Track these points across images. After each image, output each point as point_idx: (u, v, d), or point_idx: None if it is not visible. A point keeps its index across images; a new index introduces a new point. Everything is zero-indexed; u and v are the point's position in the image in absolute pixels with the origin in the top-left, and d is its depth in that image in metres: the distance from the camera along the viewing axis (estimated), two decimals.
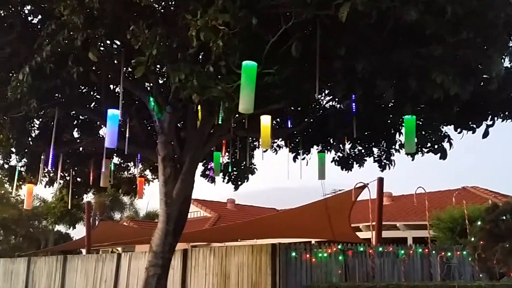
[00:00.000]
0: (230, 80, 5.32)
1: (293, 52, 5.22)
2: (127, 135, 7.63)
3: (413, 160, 8.78)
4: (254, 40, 5.31)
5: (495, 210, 11.97)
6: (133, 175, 12.41)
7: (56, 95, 7.45)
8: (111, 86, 9.40)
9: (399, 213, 24.43)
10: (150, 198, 57.43)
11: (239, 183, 11.45)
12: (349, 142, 10.00)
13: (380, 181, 14.24)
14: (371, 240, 20.50)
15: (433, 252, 14.05)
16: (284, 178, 12.13)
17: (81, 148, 10.73)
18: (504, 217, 11.57)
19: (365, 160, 10.22)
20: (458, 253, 14.36)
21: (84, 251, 28.16)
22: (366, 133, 8.79)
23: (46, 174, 10.59)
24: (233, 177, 11.34)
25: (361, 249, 13.00)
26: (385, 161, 9.74)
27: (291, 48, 5.24)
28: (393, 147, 9.50)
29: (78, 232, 41.82)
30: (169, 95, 7.40)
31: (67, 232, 39.59)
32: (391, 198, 28.02)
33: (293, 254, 11.94)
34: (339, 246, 12.76)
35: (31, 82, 6.32)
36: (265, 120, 8.04)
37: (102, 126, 9.75)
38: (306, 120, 9.25)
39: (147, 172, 12.49)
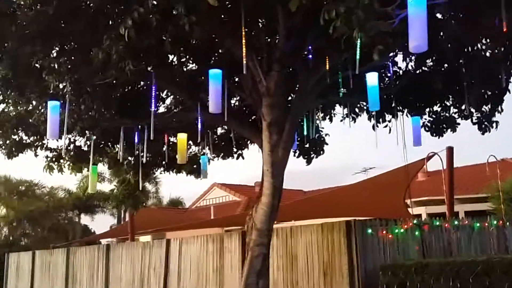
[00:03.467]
0: (391, 14, 4.49)
1: None
2: (225, 103, 6.74)
3: None
4: None
5: None
6: (194, 154, 11.61)
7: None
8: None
9: (440, 188, 23.66)
10: (173, 185, 56.83)
11: (312, 156, 10.62)
12: (440, 103, 9.22)
13: (450, 150, 13.44)
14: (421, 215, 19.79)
15: (508, 224, 13.31)
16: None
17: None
18: None
19: (459, 124, 9.40)
20: None
21: (103, 241, 27.57)
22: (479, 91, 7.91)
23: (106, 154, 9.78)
24: (305, 150, 10.51)
25: (437, 223, 12.26)
26: (486, 123, 8.89)
27: None
28: (499, 107, 8.65)
29: (96, 224, 41.06)
30: (273, 51, 6.55)
31: (85, 224, 39.08)
32: (426, 174, 27.28)
33: (369, 231, 11.21)
34: (415, 221, 12.05)
35: (134, 37, 5.48)
36: (372, 78, 7.21)
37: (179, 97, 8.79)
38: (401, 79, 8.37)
39: (206, 150, 11.69)
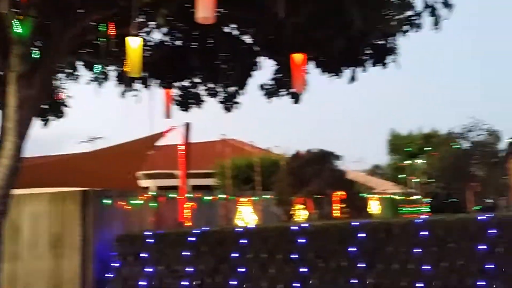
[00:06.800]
0: None
1: None
2: None
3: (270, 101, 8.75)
4: None
5: (299, 159, 12.93)
6: None
7: None
8: None
9: (167, 162, 24.47)
10: None
11: (49, 118, 9.69)
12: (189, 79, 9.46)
13: (187, 126, 13.90)
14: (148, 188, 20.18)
15: (232, 198, 14.57)
16: None
17: None
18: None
19: (202, 101, 9.70)
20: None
21: None
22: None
23: None
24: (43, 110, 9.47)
25: (172, 195, 12.62)
26: (229, 102, 9.37)
27: None
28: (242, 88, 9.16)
29: None
30: None
31: None
32: (153, 147, 27.92)
33: (106, 201, 10.88)
34: (154, 193, 12.24)
35: None
36: (135, 43, 6.88)
37: None
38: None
39: None
